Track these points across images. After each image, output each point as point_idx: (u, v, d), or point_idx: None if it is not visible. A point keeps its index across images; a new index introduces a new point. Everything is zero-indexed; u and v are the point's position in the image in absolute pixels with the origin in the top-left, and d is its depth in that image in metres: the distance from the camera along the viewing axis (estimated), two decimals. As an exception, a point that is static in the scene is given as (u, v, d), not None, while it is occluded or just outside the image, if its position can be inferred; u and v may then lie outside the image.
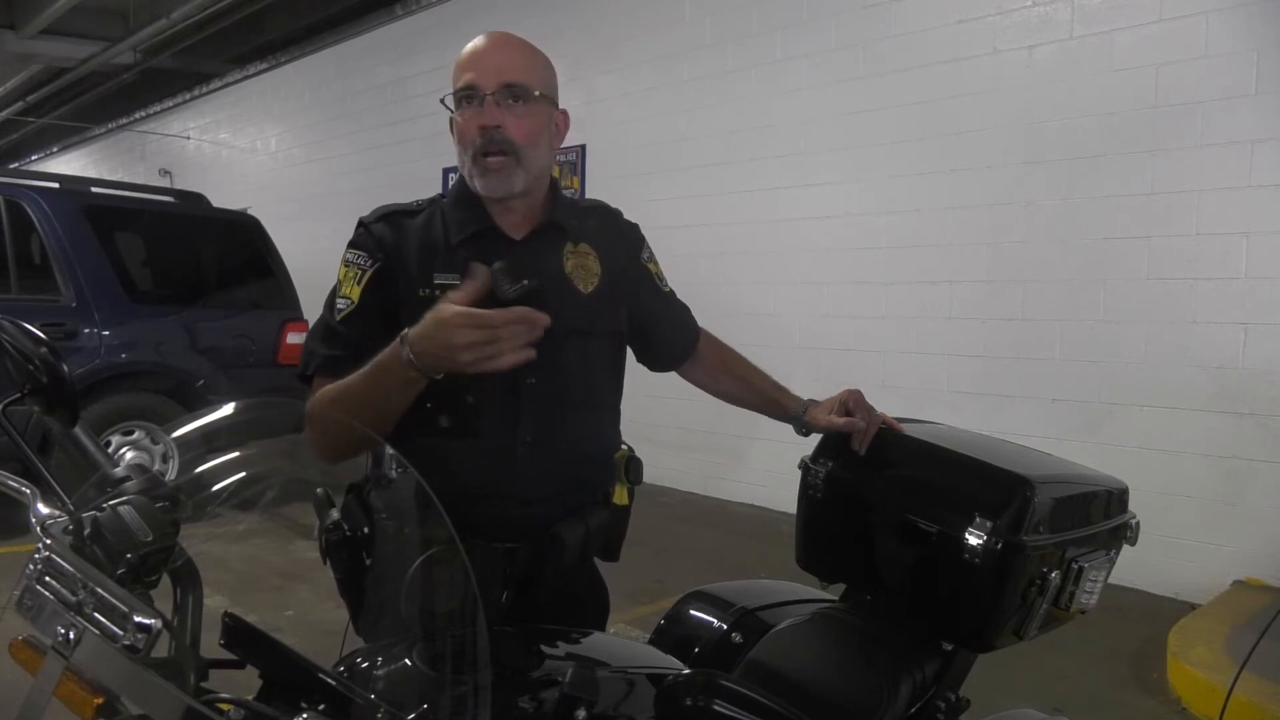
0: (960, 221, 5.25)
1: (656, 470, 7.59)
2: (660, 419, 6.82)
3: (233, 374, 5.87)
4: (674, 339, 1.83)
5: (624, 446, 1.70)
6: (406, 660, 1.04)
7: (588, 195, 7.48)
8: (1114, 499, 1.80)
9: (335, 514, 1.49)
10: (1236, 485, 4.32)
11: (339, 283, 1.52)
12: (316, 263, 9.45)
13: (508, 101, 1.46)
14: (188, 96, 12.87)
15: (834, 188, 5.84)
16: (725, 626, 1.77)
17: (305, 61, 10.68)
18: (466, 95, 1.47)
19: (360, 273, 1.49)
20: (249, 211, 6.84)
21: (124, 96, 13.45)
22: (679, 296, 1.86)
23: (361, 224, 1.55)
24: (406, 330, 1.27)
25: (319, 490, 1.51)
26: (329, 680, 0.87)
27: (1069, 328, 4.83)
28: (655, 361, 1.83)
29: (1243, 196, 4.26)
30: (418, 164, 9.10)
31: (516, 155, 1.46)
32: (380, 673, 1.04)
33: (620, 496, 1.67)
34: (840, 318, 5.79)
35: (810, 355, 5.85)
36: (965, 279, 5.22)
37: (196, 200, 6.60)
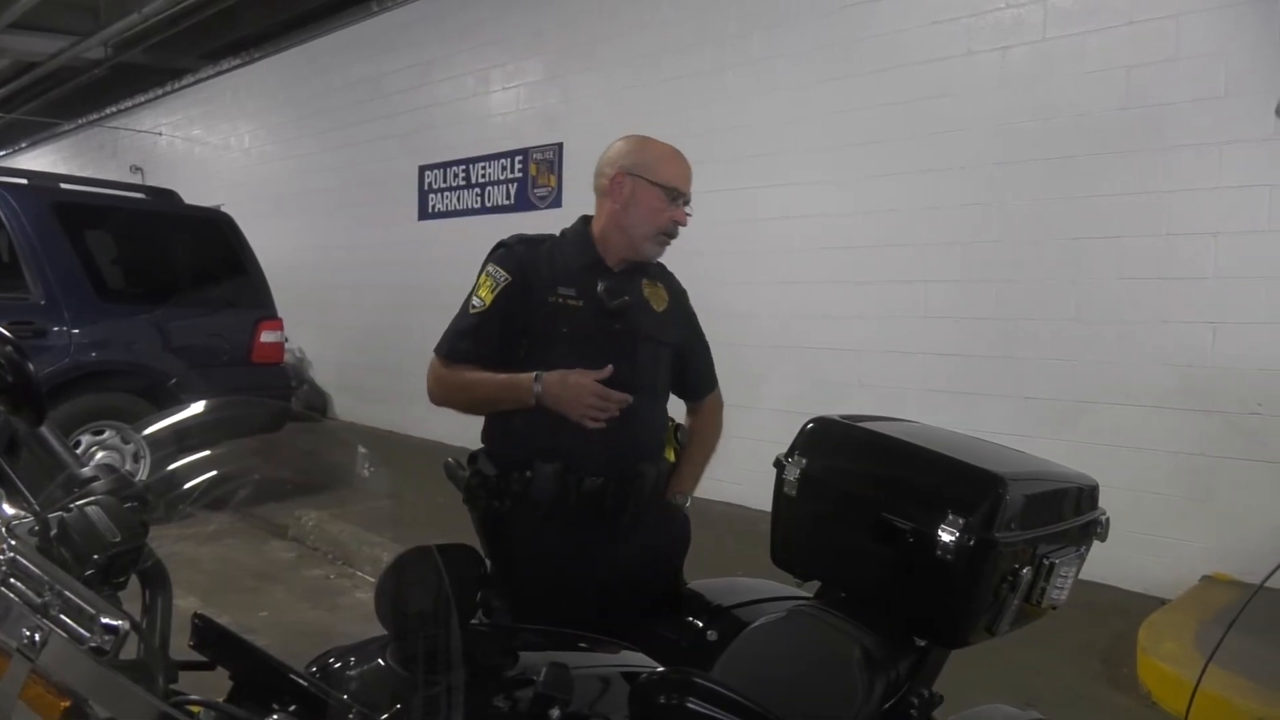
0: (935, 221, 5.28)
1: (633, 469, 7.43)
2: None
3: (206, 373, 5.80)
4: (696, 379, 2.29)
5: (671, 420, 2.22)
6: (380, 661, 1.03)
7: (564, 194, 7.48)
8: (1084, 496, 1.82)
9: (465, 473, 2.05)
10: (1205, 482, 4.38)
11: (477, 285, 2.07)
12: (291, 260, 9.44)
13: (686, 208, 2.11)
14: (159, 92, 12.72)
15: (811, 188, 5.86)
16: (701, 624, 1.77)
17: (279, 58, 10.59)
18: (674, 194, 2.06)
19: (496, 284, 2.03)
20: (222, 209, 6.77)
21: (95, 92, 13.26)
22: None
23: (503, 244, 2.12)
24: (540, 373, 1.92)
25: (449, 460, 2.09)
26: (300, 681, 0.86)
27: (1041, 327, 4.88)
28: (678, 388, 2.26)
29: (1212, 197, 4.32)
30: (394, 162, 9.05)
31: (675, 237, 2.13)
32: (353, 673, 1.04)
33: (670, 455, 2.20)
34: (816, 317, 5.81)
35: (787, 354, 5.87)
36: (940, 279, 5.26)
37: (168, 197, 6.53)
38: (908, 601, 1.66)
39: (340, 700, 0.87)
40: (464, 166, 8.36)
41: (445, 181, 8.58)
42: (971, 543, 1.52)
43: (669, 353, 2.16)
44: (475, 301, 2.05)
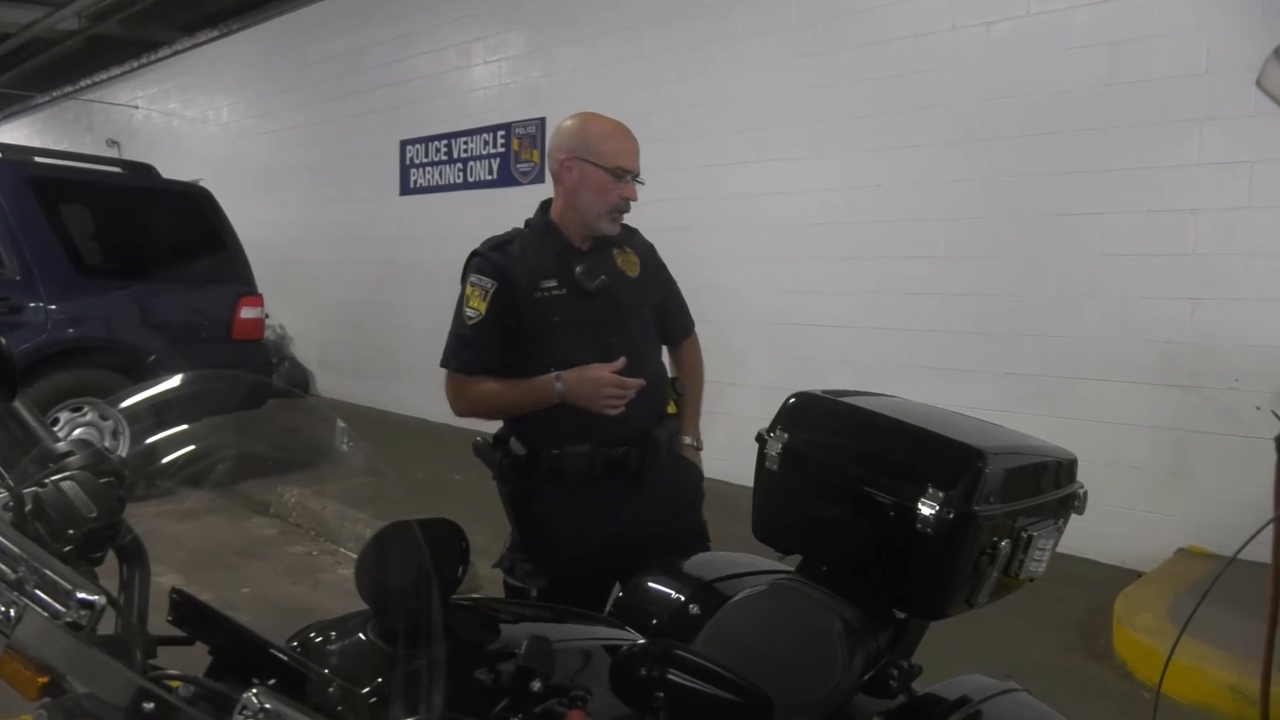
0: (919, 197, 5.29)
1: (617, 445, 7.43)
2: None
3: (185, 350, 5.75)
4: (674, 324, 2.42)
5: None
6: (361, 635, 1.03)
7: (548, 170, 7.42)
8: (1063, 469, 1.83)
9: (499, 452, 2.21)
10: (1181, 456, 4.43)
11: (466, 296, 2.19)
12: (271, 236, 9.36)
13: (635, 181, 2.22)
14: (135, 65, 12.52)
15: (795, 163, 5.84)
16: (683, 598, 1.78)
17: (258, 30, 10.43)
18: (619, 173, 2.17)
19: (485, 292, 2.16)
20: (200, 183, 6.69)
21: (69, 64, 13.03)
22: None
23: (478, 254, 2.24)
24: (560, 373, 2.10)
25: (478, 439, 2.25)
26: (281, 655, 0.86)
27: (1024, 303, 4.90)
28: (662, 336, 2.39)
29: (1193, 174, 4.34)
30: (375, 136, 8.96)
31: (627, 212, 2.24)
32: (334, 648, 1.03)
33: (671, 408, 2.35)
34: (801, 293, 5.81)
35: (771, 330, 5.88)
36: (924, 254, 5.27)
37: (145, 171, 6.44)
38: (888, 574, 1.67)
39: (321, 674, 0.87)
40: (446, 141, 8.29)
41: (427, 156, 8.50)
42: (951, 516, 1.53)
43: (650, 312, 2.32)
44: (470, 312, 2.17)
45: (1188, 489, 4.41)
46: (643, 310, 2.29)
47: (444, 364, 2.24)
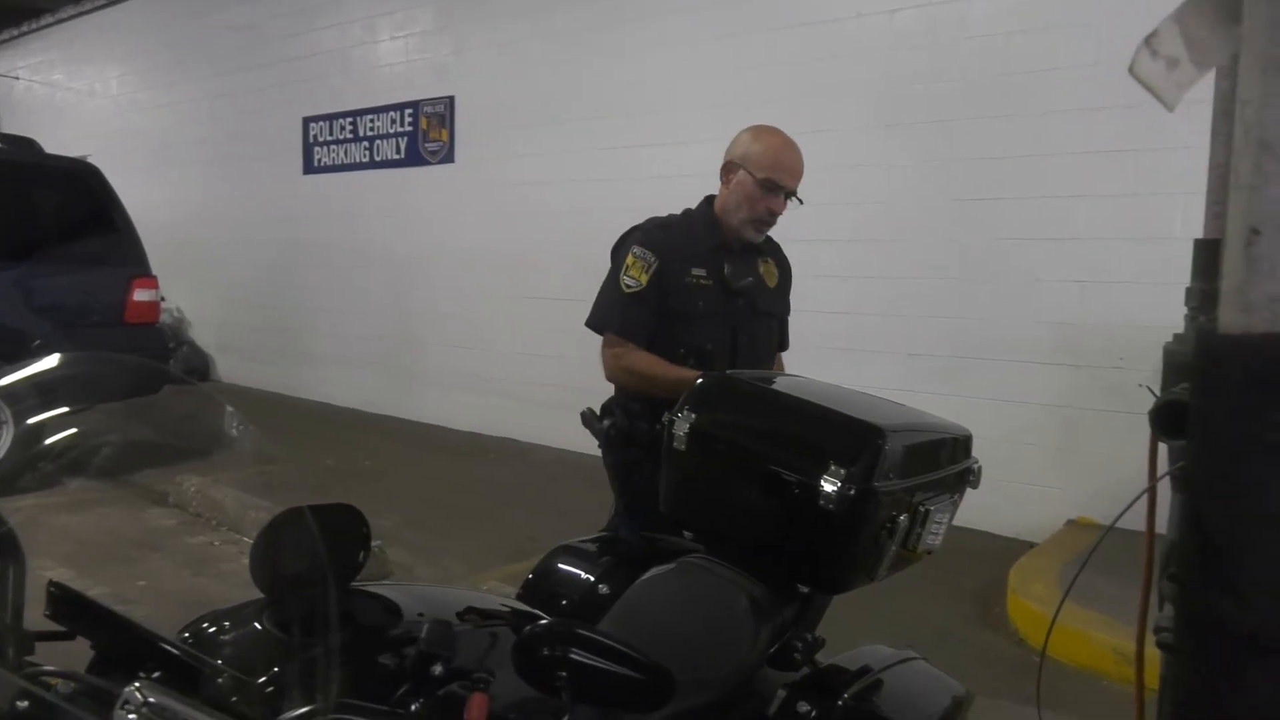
0: (826, 182, 5.34)
1: (530, 428, 7.60)
2: (534, 377, 6.79)
3: (75, 334, 5.48)
4: (785, 334, 2.58)
5: None
6: (256, 624, 1.00)
7: (457, 149, 7.31)
8: (959, 445, 1.90)
9: (606, 422, 2.26)
10: (1072, 432, 4.64)
11: (627, 266, 2.28)
12: (167, 215, 8.98)
13: (784, 200, 2.31)
14: (15, 33, 11.85)
15: (705, 146, 5.82)
16: (592, 578, 1.79)
17: (149, -2, 9.96)
18: (769, 185, 2.27)
19: (647, 265, 2.26)
20: (88, 159, 6.36)
21: (-60, 30, 12.24)
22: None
23: (640, 229, 2.36)
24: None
25: (586, 410, 2.30)
26: (167, 646, 0.83)
27: (926, 285, 5.05)
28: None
29: (1082, 161, 4.53)
30: (276, 112, 8.66)
31: (771, 226, 2.36)
32: (227, 637, 1.01)
33: None
34: (711, 275, 5.86)
35: (682, 312, 5.92)
36: (831, 238, 5.36)
37: (27, 146, 6.10)
38: (792, 550, 1.71)
39: (212, 664, 0.85)
40: (351, 119, 8.07)
41: (331, 134, 8.26)
42: (852, 492, 1.57)
43: (778, 324, 2.50)
44: (630, 281, 2.27)
45: (1077, 463, 4.62)
46: (773, 321, 2.45)
47: (599, 327, 2.33)
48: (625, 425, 2.25)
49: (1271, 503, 0.61)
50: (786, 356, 2.66)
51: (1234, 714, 0.63)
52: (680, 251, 2.29)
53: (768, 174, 2.26)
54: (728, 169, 2.34)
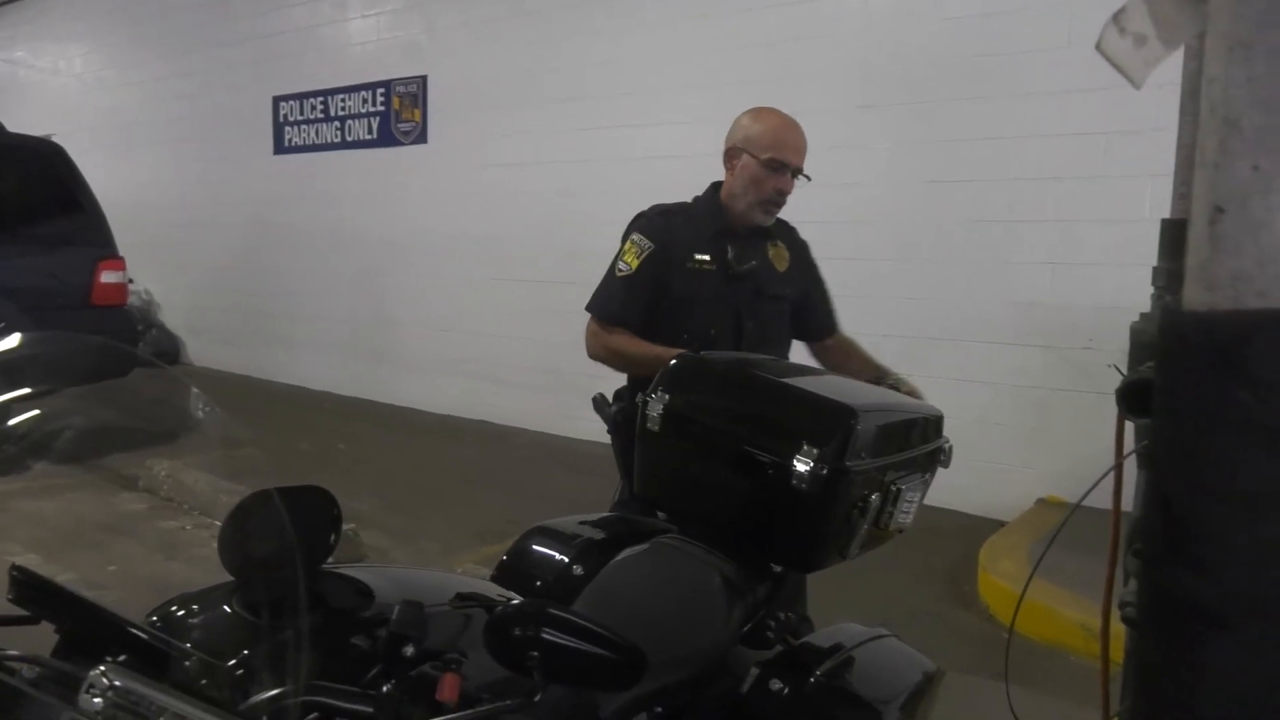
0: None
1: (505, 411, 7.56)
2: (509, 360, 6.77)
3: (40, 317, 5.38)
4: (822, 316, 2.51)
5: None
6: (225, 607, 1.00)
7: (430, 130, 7.24)
8: (930, 425, 1.92)
9: (615, 407, 2.25)
10: (1042, 412, 4.69)
11: (623, 251, 2.31)
12: (135, 196, 8.84)
13: (791, 178, 2.29)
14: (-25, 8, 11.54)
15: (681, 127, 5.85)
16: (567, 559, 1.79)
17: (114, -27, 9.76)
18: (774, 165, 2.25)
19: (640, 251, 2.28)
20: (52, 139, 6.24)
21: (-103, 5, 11.91)
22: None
23: (643, 216, 2.36)
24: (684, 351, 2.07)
25: (598, 394, 2.24)
26: (133, 629, 0.82)
27: (898, 267, 5.07)
28: (799, 331, 2.48)
29: (1056, 144, 4.56)
30: (246, 92, 8.54)
31: (780, 206, 2.34)
32: (196, 620, 1.00)
33: None
34: (686, 257, 5.87)
35: (657, 294, 5.92)
36: (805, 219, 5.35)
37: (-11, 125, 5.97)
38: (765, 530, 1.72)
39: (180, 647, 0.84)
40: (322, 98, 7.96)
41: (302, 114, 8.16)
42: (825, 472, 1.58)
43: (789, 308, 2.42)
44: (622, 266, 2.30)
45: (1046, 443, 4.67)
46: (782, 305, 2.38)
47: (588, 308, 2.36)
48: (632, 410, 2.25)
49: (1234, 479, 0.61)
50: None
51: (1195, 686, 0.64)
52: (682, 237, 2.30)
53: (772, 154, 2.25)
54: (730, 155, 2.32)
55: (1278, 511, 0.61)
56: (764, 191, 2.27)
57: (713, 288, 2.28)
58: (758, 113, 2.35)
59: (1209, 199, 0.61)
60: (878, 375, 2.32)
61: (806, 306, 2.47)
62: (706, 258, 2.28)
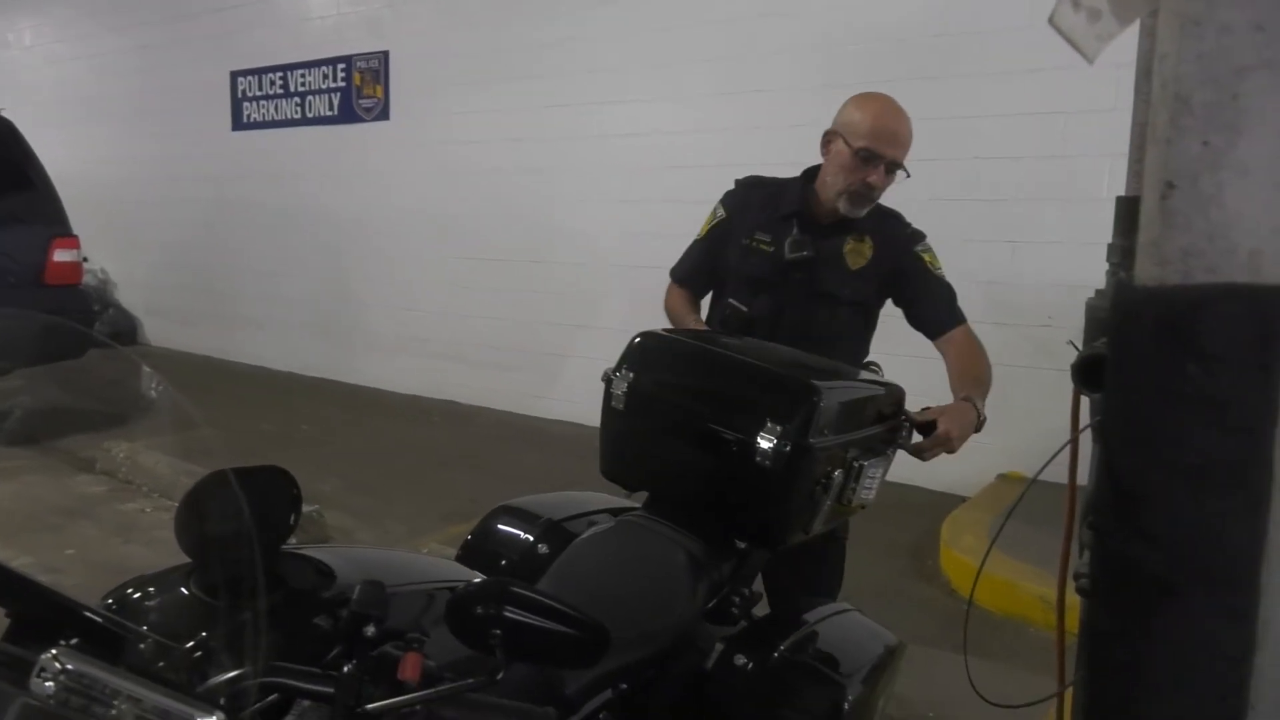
0: (765, 142, 5.37)
1: (471, 390, 7.51)
2: (475, 339, 6.73)
3: (-10, 295, 5.27)
4: (928, 316, 2.31)
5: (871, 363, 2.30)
6: (183, 589, 0.98)
7: (392, 107, 7.14)
8: (892, 402, 1.94)
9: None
10: (1002, 389, 4.68)
11: (709, 215, 2.32)
12: (90, 173, 8.63)
13: (886, 172, 2.14)
14: (-83, -22, 11.15)
15: (646, 105, 5.83)
16: (532, 538, 1.79)
17: (63, -57, 9.48)
18: (866, 154, 2.11)
19: (714, 219, 2.29)
20: (1, 114, 6.07)
21: None
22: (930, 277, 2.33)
23: (737, 183, 2.35)
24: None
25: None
26: (89, 614, 0.81)
27: (863, 246, 5.09)
28: (914, 325, 2.35)
29: (1015, 123, 4.60)
30: (202, 66, 8.35)
31: (872, 200, 2.17)
32: (153, 603, 0.98)
33: None
34: (654, 236, 5.83)
35: (622, 273, 5.89)
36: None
37: (-67, 99, 5.79)
38: (730, 506, 1.73)
39: (136, 630, 0.83)
40: (281, 74, 7.81)
41: (261, 89, 8.00)
42: (788, 449, 1.59)
43: (850, 311, 2.23)
44: (698, 232, 2.33)
45: (1007, 419, 4.69)
46: (838, 307, 2.20)
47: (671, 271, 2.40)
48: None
49: (1182, 450, 0.63)
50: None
51: (1144, 653, 0.66)
52: (753, 212, 2.24)
53: (865, 143, 2.10)
54: (827, 138, 2.21)
55: (1225, 483, 0.62)
56: (851, 182, 2.13)
57: (763, 269, 2.18)
58: (862, 98, 2.22)
59: (1160, 175, 0.62)
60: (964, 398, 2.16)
61: (916, 304, 2.30)
62: (767, 238, 2.19)
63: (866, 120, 2.13)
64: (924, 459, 2.00)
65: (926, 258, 2.30)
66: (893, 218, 2.31)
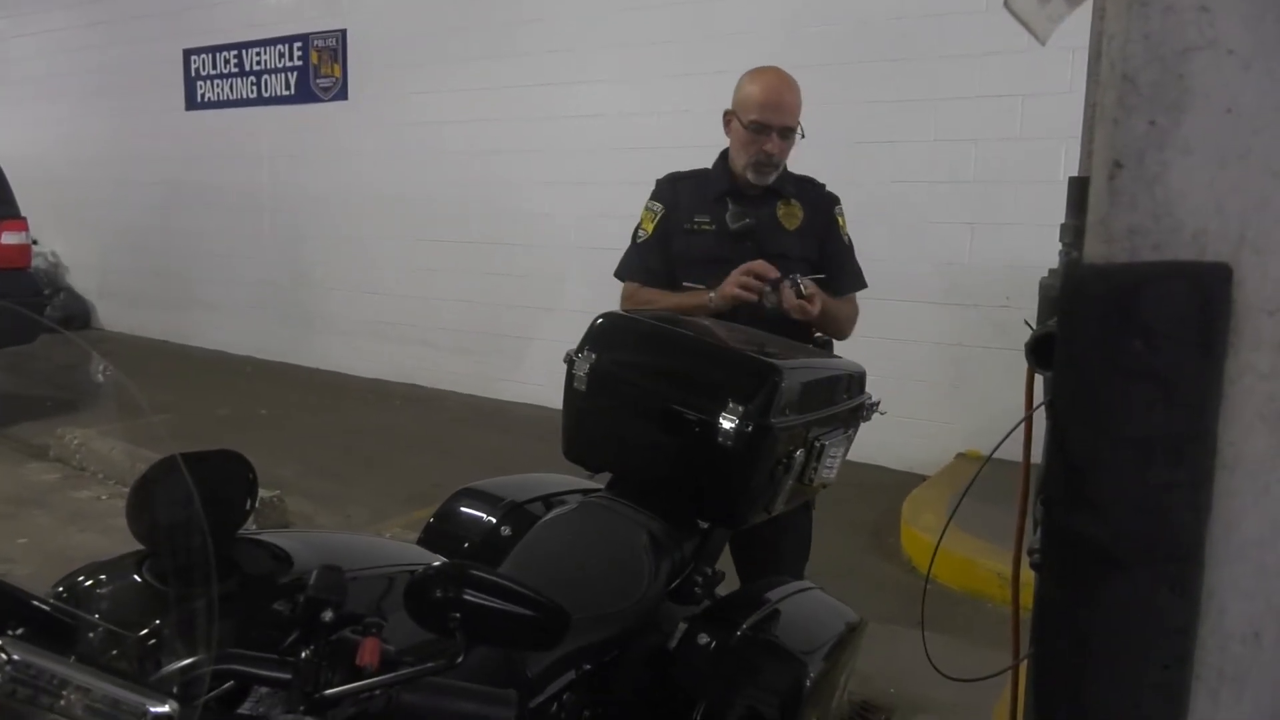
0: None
1: (434, 373, 7.46)
2: (437, 322, 6.68)
3: (-65, 281, 5.13)
4: (840, 281, 2.43)
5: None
6: (135, 576, 0.97)
7: (350, 86, 7.03)
8: (853, 382, 1.96)
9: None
10: (961, 370, 4.82)
11: (642, 219, 2.42)
12: (36, 153, 8.43)
13: (780, 138, 2.28)
14: None
15: (606, 86, 5.79)
16: (494, 520, 1.78)
17: (5, -85, 9.19)
18: (757, 127, 2.26)
19: (655, 215, 2.39)
20: (-58, 92, 5.90)
21: None
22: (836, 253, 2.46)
23: (660, 181, 2.46)
24: (713, 290, 2.20)
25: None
26: (35, 602, 0.79)
27: (825, 227, 5.12)
28: (831, 291, 2.37)
29: (973, 106, 4.64)
30: (155, 44, 8.16)
31: (775, 166, 2.31)
32: (104, 591, 0.97)
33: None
34: (613, 218, 5.79)
35: (584, 255, 5.87)
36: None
37: None
38: (692, 487, 1.74)
39: (85, 619, 0.81)
40: (236, 52, 7.65)
41: (215, 68, 7.83)
42: (750, 429, 1.60)
43: (799, 267, 2.30)
44: (640, 233, 2.40)
45: (966, 399, 4.80)
46: (791, 263, 2.27)
47: (617, 274, 2.46)
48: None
49: (1127, 424, 0.64)
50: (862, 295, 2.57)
51: (1090, 623, 0.67)
52: (686, 201, 2.37)
53: (755, 115, 2.26)
54: (727, 118, 2.36)
55: (1167, 456, 0.64)
56: (752, 153, 2.29)
57: (710, 248, 2.30)
58: (750, 75, 2.36)
59: (1108, 154, 0.63)
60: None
61: (830, 268, 2.40)
62: (706, 219, 2.33)
63: (754, 95, 2.29)
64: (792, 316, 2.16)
65: (841, 221, 2.48)
66: (809, 182, 2.48)
